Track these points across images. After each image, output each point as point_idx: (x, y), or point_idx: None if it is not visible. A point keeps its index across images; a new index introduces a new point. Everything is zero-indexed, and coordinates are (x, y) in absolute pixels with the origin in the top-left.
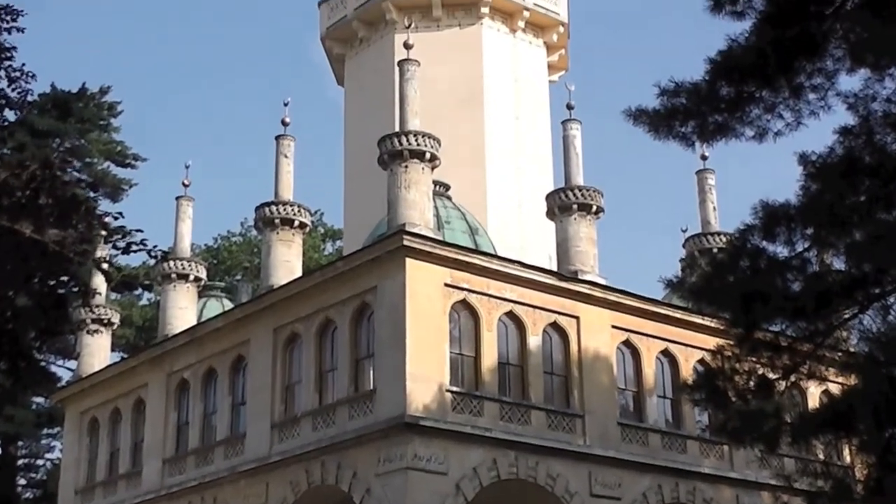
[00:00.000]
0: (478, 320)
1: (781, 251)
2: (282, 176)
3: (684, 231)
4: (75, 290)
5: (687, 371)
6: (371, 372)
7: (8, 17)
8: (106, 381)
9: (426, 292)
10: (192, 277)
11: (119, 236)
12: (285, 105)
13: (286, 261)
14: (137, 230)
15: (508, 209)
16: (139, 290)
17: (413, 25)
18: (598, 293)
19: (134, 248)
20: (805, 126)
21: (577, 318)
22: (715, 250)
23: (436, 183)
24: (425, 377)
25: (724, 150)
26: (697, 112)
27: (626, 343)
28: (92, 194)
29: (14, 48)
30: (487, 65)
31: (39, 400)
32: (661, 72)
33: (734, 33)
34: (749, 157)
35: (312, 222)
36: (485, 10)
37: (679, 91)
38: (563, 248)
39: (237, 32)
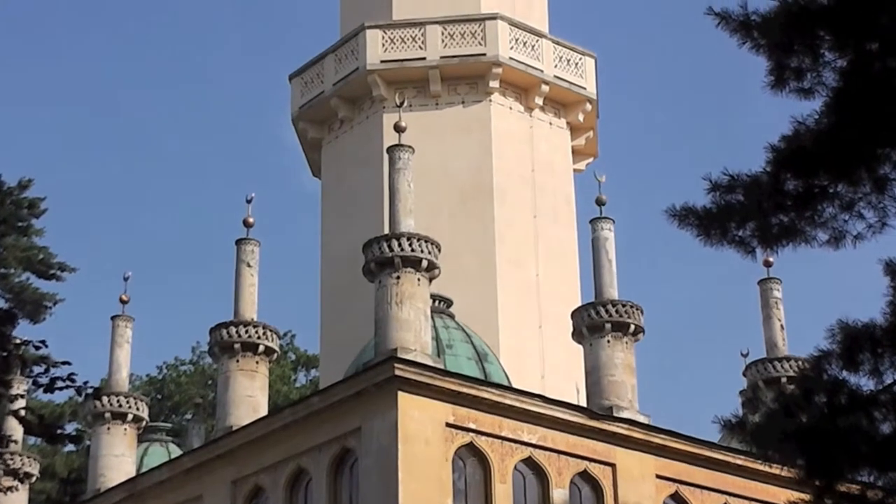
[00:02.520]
0: (488, 469)
1: (866, 384)
2: (243, 290)
3: (745, 356)
4: None
5: None
6: None
7: None
8: None
9: (423, 435)
10: (130, 417)
11: (41, 370)
12: (248, 202)
13: (248, 395)
14: (64, 362)
15: (525, 330)
16: (65, 431)
17: (406, 103)
18: (638, 434)
19: (59, 384)
20: (892, 228)
21: (612, 465)
22: (783, 381)
23: (434, 298)
24: None
25: (791, 253)
26: (758, 211)
27: (675, 497)
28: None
29: None
30: (498, 151)
31: None
32: (712, 160)
33: (801, 114)
34: (819, 260)
35: (281, 347)
36: (494, 83)
37: (734, 185)
38: (595, 377)
39: (188, 111)
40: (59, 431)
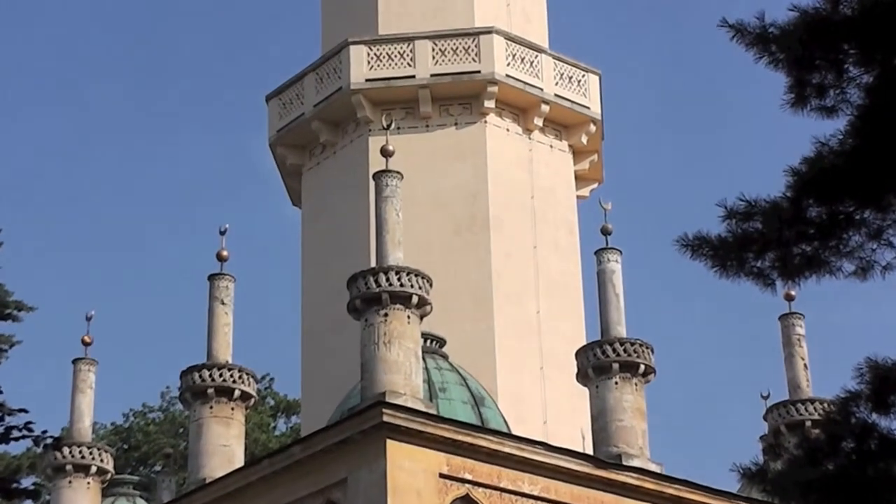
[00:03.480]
0: None
1: None
2: (217, 329)
3: (765, 398)
4: None
5: None
6: None
7: None
8: None
9: (414, 486)
10: (94, 470)
11: None
12: (221, 234)
13: (223, 445)
14: (20, 410)
15: (525, 371)
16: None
17: (394, 126)
18: (649, 484)
19: (15, 433)
20: None
21: None
22: (808, 425)
23: (426, 337)
24: None
25: (814, 286)
26: (778, 240)
27: None
28: None
29: None
30: (494, 177)
31: None
32: (727, 185)
33: (824, 135)
34: (845, 293)
35: (259, 391)
36: (489, 103)
37: (752, 212)
38: (601, 422)
39: (156, 133)
40: (15, 486)
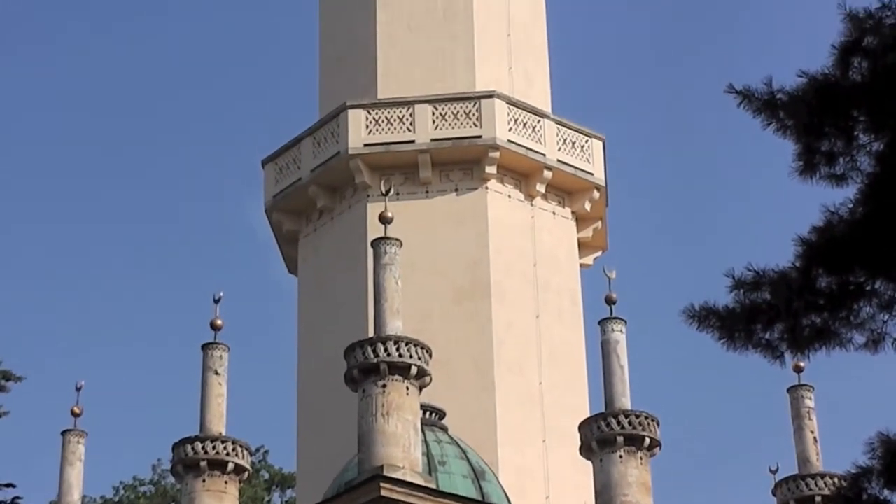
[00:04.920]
0: None
1: None
2: (210, 400)
3: (774, 472)
4: None
5: None
6: None
7: None
8: None
9: None
10: None
11: None
12: (216, 302)
13: None
14: (7, 484)
15: (527, 444)
16: None
17: (393, 191)
18: None
19: None
20: None
21: None
22: (818, 500)
23: (425, 409)
24: None
25: (824, 358)
26: (787, 311)
27: None
28: None
29: None
30: (496, 244)
31: None
32: (734, 254)
33: (833, 203)
34: (856, 365)
35: (253, 464)
36: (491, 169)
37: (760, 282)
38: (605, 497)
39: (149, 197)
40: None
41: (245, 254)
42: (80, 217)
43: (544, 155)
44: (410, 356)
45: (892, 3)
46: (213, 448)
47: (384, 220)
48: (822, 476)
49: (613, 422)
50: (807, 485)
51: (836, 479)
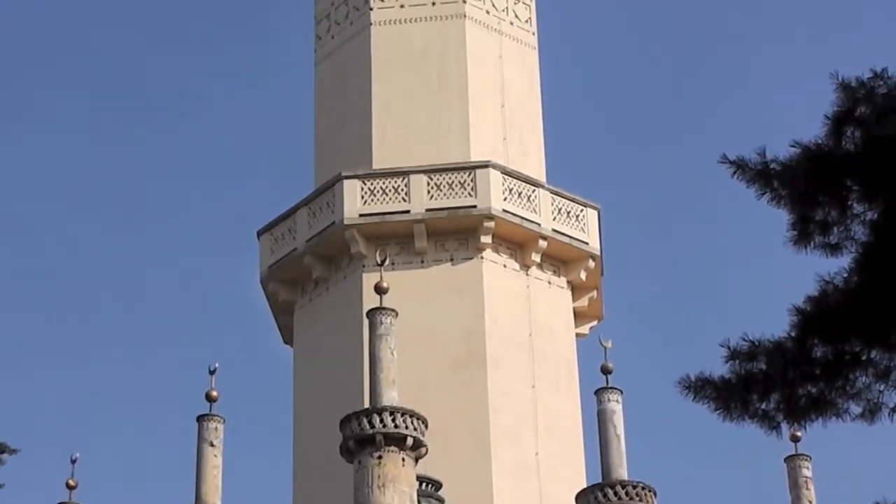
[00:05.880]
0: None
1: None
2: (206, 472)
3: None
4: None
5: None
6: None
7: None
8: None
9: None
10: None
11: None
12: (211, 373)
13: None
14: None
15: None
16: None
17: (388, 261)
18: None
19: None
20: None
21: None
22: None
23: (421, 480)
24: None
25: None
26: (783, 381)
27: None
28: None
29: None
30: (492, 313)
31: None
32: (730, 324)
33: (828, 272)
34: (852, 434)
35: None
36: (486, 239)
37: (756, 352)
38: None
39: (143, 268)
40: None
41: (241, 324)
42: (76, 287)
43: (539, 224)
44: (406, 427)
45: (885, 72)
46: None
47: (380, 290)
48: None
49: (610, 492)
50: None
51: None
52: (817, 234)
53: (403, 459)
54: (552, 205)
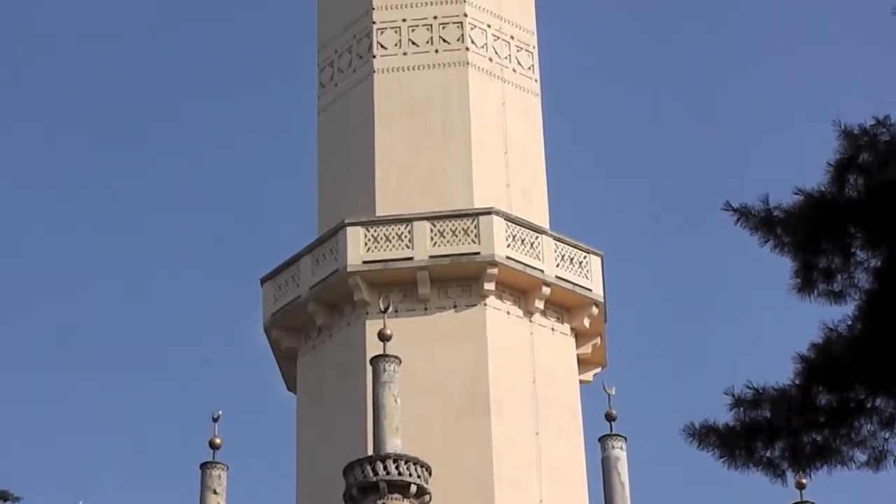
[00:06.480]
0: None
1: None
2: None
3: None
4: None
5: None
6: None
7: None
8: None
9: None
10: None
11: None
12: (214, 420)
13: None
14: None
15: None
16: None
17: (391, 308)
18: None
19: None
20: None
21: None
22: None
23: None
24: None
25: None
26: (787, 429)
27: None
28: None
29: None
30: (495, 361)
31: None
32: (734, 371)
33: (832, 320)
34: (858, 482)
35: None
36: (489, 285)
37: (760, 400)
38: None
39: (147, 315)
40: None
41: (244, 371)
42: (79, 336)
43: (542, 271)
44: (410, 474)
45: (887, 119)
46: None
47: (383, 337)
48: None
49: None
50: None
51: None
52: (821, 282)
53: None
54: (555, 251)
